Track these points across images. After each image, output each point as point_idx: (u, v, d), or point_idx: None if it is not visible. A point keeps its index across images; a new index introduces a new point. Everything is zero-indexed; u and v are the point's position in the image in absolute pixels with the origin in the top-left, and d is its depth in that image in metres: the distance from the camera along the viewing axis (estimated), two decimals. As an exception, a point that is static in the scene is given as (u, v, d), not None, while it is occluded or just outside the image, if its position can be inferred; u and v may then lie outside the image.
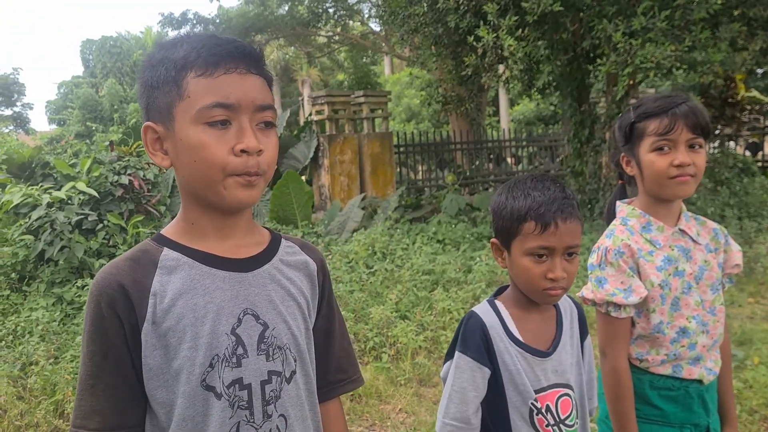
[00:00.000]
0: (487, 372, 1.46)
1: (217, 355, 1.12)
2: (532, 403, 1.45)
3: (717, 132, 11.42)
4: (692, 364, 1.77)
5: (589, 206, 9.07)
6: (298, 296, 1.25)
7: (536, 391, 1.47)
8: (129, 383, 1.11)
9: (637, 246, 1.77)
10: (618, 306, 1.74)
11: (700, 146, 1.73)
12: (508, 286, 1.59)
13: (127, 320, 1.09)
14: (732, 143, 13.75)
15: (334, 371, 1.36)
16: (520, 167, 13.69)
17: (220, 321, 1.13)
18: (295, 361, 1.21)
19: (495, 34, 6.99)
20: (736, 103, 12.50)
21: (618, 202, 1.93)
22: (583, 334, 1.62)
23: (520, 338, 1.48)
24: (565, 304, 1.60)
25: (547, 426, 1.46)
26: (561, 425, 1.48)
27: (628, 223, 1.83)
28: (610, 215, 1.96)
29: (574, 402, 1.51)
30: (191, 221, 1.18)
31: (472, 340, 1.47)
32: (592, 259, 1.81)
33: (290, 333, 1.21)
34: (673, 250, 1.79)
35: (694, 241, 1.82)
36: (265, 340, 1.17)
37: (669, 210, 1.82)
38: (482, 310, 1.53)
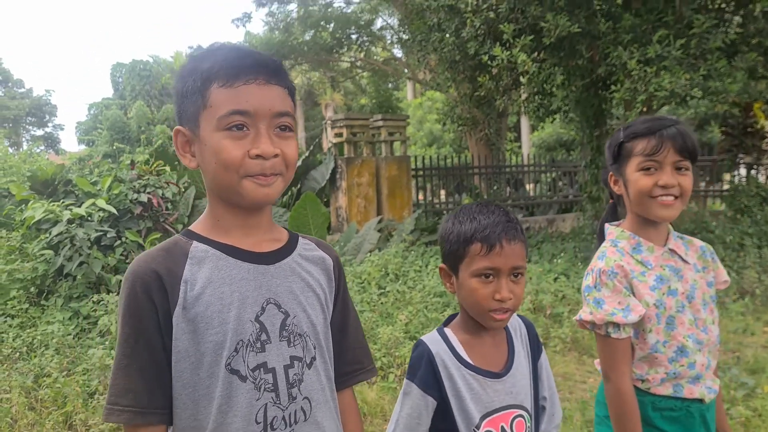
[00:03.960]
0: (431, 402, 1.47)
1: (241, 341, 1.19)
2: (473, 430, 1.46)
3: (737, 161, 11.31)
4: (692, 383, 1.77)
5: (606, 232, 9.01)
6: (317, 288, 1.33)
7: (489, 413, 1.47)
8: (159, 365, 1.18)
9: (629, 267, 1.78)
10: (618, 326, 1.72)
11: (687, 169, 1.75)
12: (456, 314, 1.61)
13: (160, 305, 1.17)
14: (753, 172, 13.61)
15: (350, 362, 1.42)
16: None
17: (245, 309, 1.21)
18: (315, 348, 1.29)
19: (509, 53, 7.05)
20: (755, 132, 12.38)
21: (606, 225, 1.94)
22: (537, 352, 1.62)
23: (471, 361, 1.49)
24: (514, 324, 1.61)
25: None
26: None
27: (618, 244, 1.84)
28: (602, 236, 1.97)
29: (528, 424, 1.51)
30: (217, 218, 1.27)
31: (419, 368, 1.49)
32: (587, 281, 1.81)
33: (310, 322, 1.29)
34: (664, 269, 1.80)
35: (683, 260, 1.83)
36: (286, 327, 1.25)
37: (657, 230, 1.83)
38: (430, 338, 1.54)
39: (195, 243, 1.24)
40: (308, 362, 1.27)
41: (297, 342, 1.26)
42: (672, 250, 1.83)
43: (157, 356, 1.18)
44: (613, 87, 7.19)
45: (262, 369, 1.20)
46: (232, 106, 1.17)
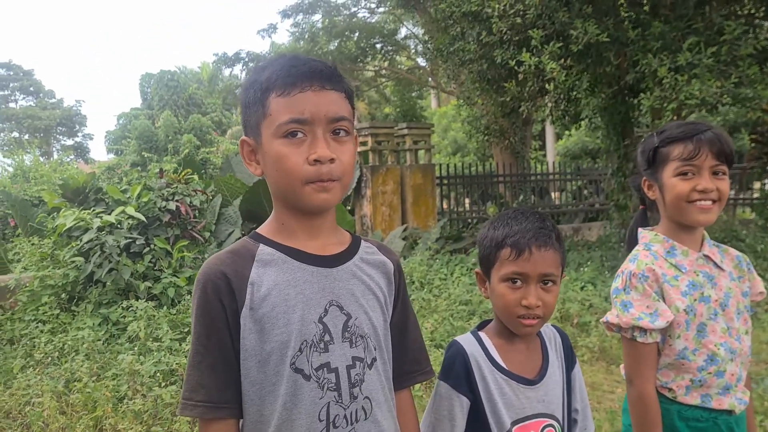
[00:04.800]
0: (465, 401, 1.47)
1: (305, 341, 1.23)
2: None
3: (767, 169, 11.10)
4: (722, 394, 1.74)
5: (634, 241, 8.90)
6: (377, 291, 1.36)
7: (520, 420, 1.46)
8: (229, 362, 1.24)
9: (662, 271, 1.76)
10: (644, 330, 1.71)
11: (724, 173, 1.74)
12: (489, 321, 1.61)
13: (228, 305, 1.23)
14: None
15: (410, 362, 1.44)
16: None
17: (308, 310, 1.25)
18: (375, 349, 1.32)
19: (537, 59, 7.00)
20: (787, 140, 12.10)
21: (640, 229, 1.92)
22: (571, 363, 1.61)
23: (505, 366, 1.49)
24: (549, 333, 1.60)
25: None
26: None
27: (651, 248, 1.82)
28: (632, 242, 1.95)
29: None
30: (281, 222, 1.32)
31: (452, 368, 1.49)
32: (617, 283, 1.80)
33: (370, 323, 1.32)
34: (698, 275, 1.77)
35: (718, 267, 1.80)
36: (348, 328, 1.29)
37: (692, 236, 1.81)
38: (464, 339, 1.55)
39: (262, 246, 1.29)
40: (369, 363, 1.30)
41: (359, 343, 1.29)
42: (707, 257, 1.80)
43: (228, 354, 1.23)
44: (642, 95, 7.11)
45: (325, 369, 1.24)
46: (289, 114, 1.21)
